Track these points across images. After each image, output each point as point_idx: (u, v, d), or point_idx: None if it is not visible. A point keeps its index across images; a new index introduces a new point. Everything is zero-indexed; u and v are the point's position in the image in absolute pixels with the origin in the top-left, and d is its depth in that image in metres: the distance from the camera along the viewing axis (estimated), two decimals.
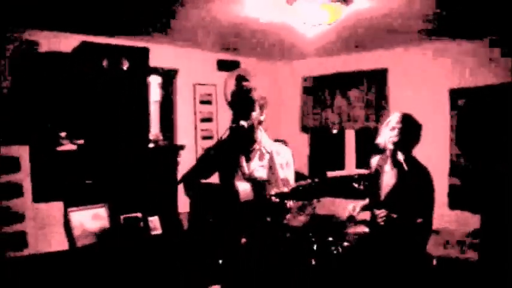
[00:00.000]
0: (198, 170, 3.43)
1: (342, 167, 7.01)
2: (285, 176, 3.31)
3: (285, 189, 3.06)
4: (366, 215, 4.10)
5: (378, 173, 3.79)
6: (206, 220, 3.28)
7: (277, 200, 3.04)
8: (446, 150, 5.95)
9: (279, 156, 3.35)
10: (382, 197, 3.69)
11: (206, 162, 3.44)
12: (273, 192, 3.05)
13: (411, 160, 3.58)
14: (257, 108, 3.29)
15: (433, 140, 5.75)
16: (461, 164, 5.84)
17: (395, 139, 3.57)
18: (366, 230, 3.95)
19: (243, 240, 3.17)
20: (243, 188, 3.13)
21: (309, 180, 3.14)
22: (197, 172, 3.42)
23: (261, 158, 3.33)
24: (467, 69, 5.75)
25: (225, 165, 3.38)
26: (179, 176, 4.28)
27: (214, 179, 3.48)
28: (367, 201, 3.98)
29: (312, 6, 3.82)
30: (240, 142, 3.33)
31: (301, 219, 4.85)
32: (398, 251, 3.59)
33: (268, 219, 3.18)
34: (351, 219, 3.98)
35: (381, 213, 3.50)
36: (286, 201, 3.16)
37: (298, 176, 6.21)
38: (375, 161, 3.89)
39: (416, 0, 3.98)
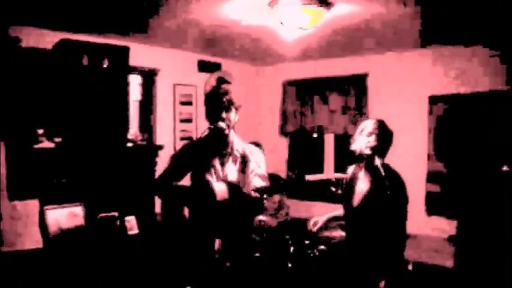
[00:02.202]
0: (171, 173, 3.41)
1: (320, 170, 7.04)
2: (262, 173, 3.31)
3: (264, 184, 3.08)
4: (336, 233, 4.04)
5: (352, 181, 3.71)
6: (181, 221, 3.27)
7: (257, 195, 3.05)
8: (424, 156, 6.01)
9: (253, 156, 3.36)
10: (355, 203, 3.59)
11: (180, 164, 3.42)
12: (252, 187, 3.06)
13: (386, 166, 3.57)
14: (234, 110, 3.29)
15: (411, 145, 5.81)
16: (438, 170, 5.91)
17: (373, 144, 3.53)
18: (342, 234, 3.92)
19: (218, 244, 3.17)
20: (219, 187, 3.12)
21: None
22: (170, 175, 3.40)
23: (234, 161, 3.33)
24: (447, 76, 5.81)
25: (198, 165, 3.36)
26: (157, 176, 4.25)
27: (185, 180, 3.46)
28: (335, 212, 3.95)
29: (293, 9, 3.85)
30: (214, 144, 3.33)
31: (277, 219, 4.87)
32: (373, 255, 3.58)
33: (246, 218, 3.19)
34: (312, 235, 3.95)
35: None
36: (264, 200, 3.17)
37: (276, 178, 6.27)
38: (351, 169, 3.81)
39: (397, 7, 4.02)
